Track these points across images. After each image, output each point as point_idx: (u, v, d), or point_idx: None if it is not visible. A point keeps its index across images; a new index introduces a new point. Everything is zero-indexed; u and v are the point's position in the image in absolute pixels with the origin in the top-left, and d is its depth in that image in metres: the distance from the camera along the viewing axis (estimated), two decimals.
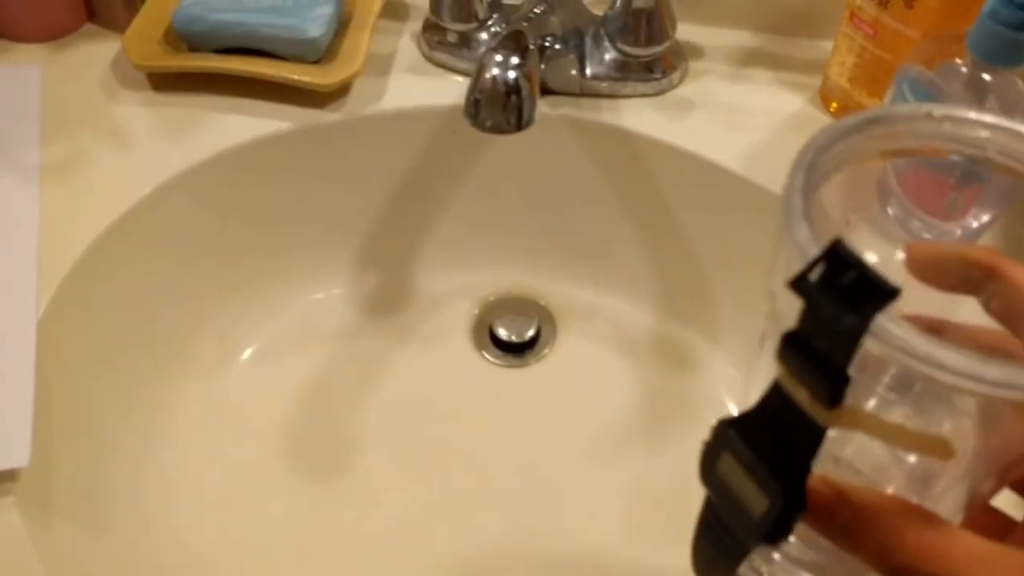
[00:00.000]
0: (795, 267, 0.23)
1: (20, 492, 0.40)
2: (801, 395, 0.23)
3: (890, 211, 0.50)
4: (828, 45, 0.56)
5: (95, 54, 0.58)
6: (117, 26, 0.59)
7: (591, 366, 0.59)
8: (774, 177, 0.52)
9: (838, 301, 0.22)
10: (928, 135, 0.29)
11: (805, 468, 0.24)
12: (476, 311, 0.61)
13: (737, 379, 0.56)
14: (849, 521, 0.24)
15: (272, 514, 0.51)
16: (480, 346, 0.60)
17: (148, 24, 0.57)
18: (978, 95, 0.42)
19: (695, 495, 0.55)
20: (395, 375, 0.58)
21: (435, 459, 0.54)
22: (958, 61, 0.43)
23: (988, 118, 0.28)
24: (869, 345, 0.22)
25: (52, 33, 0.59)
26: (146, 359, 0.53)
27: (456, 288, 0.62)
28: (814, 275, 0.22)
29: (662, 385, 0.57)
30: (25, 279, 0.47)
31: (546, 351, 0.59)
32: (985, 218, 0.46)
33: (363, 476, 0.53)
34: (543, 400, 0.57)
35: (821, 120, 0.55)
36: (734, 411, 0.58)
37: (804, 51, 0.59)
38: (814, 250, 0.23)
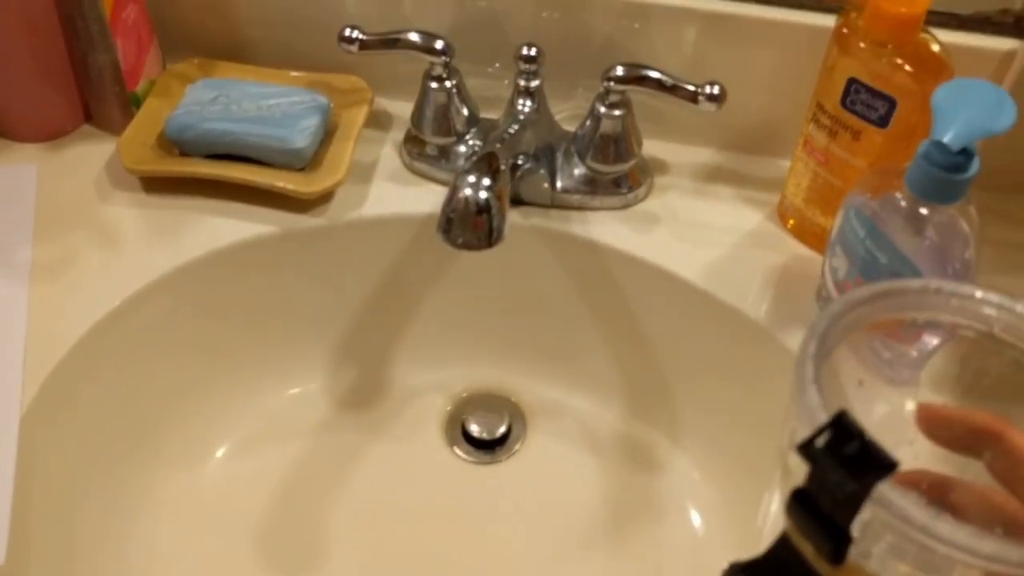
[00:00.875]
0: (804, 431, 0.25)
1: None
2: (807, 549, 0.25)
3: None
4: (786, 164, 0.59)
5: (90, 155, 0.61)
6: (113, 128, 0.62)
7: (560, 464, 0.60)
8: (732, 290, 0.55)
9: (841, 468, 0.24)
10: (935, 308, 0.31)
11: None
12: (449, 407, 0.63)
13: (699, 484, 0.58)
14: None
15: None
16: (452, 442, 0.61)
17: (142, 129, 0.60)
18: (916, 228, 0.45)
19: None
20: (367, 471, 0.59)
21: (403, 559, 0.55)
22: (898, 194, 0.46)
23: (994, 297, 0.31)
24: (870, 511, 0.24)
25: (50, 133, 0.62)
26: (125, 455, 0.54)
27: (430, 384, 0.64)
28: (821, 441, 0.25)
29: (627, 486, 0.59)
30: (10, 376, 0.48)
31: (517, 448, 0.61)
32: (936, 341, 0.49)
33: (333, 574, 0.54)
34: (512, 498, 0.59)
35: (779, 236, 0.58)
36: (695, 518, 0.59)
37: (764, 169, 0.62)
38: (823, 417, 0.26)
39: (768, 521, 0.32)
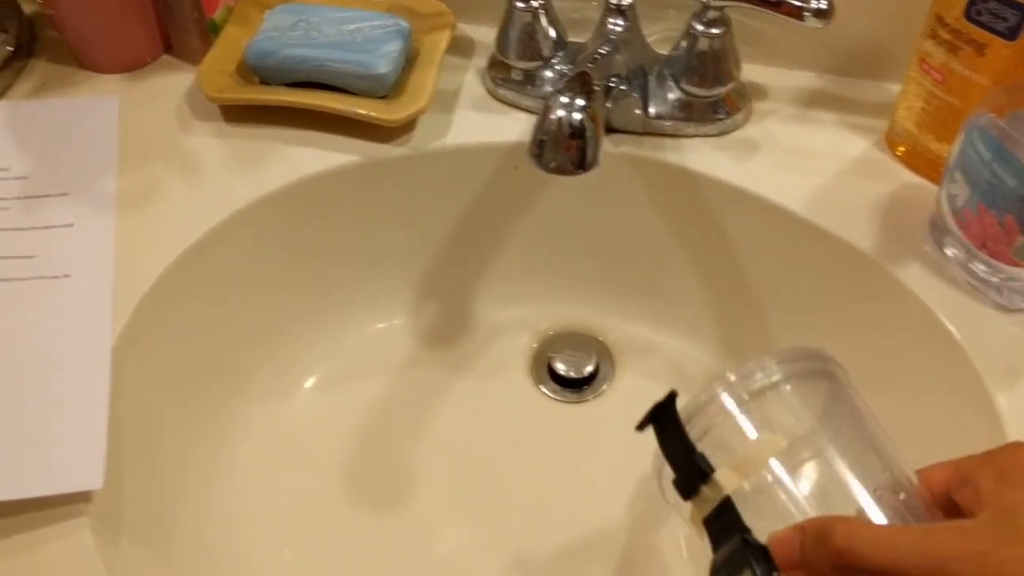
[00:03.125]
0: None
1: (93, 513, 0.42)
2: None
3: (949, 252, 0.49)
4: (895, 88, 0.55)
5: (171, 85, 0.60)
6: (192, 58, 0.61)
7: (649, 404, 0.58)
8: (837, 220, 0.52)
9: None
10: None
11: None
12: (535, 345, 0.61)
13: None
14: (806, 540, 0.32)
15: (329, 544, 0.52)
16: (538, 380, 0.60)
17: (222, 57, 0.59)
18: None
19: None
20: (453, 407, 0.58)
21: (489, 495, 0.55)
22: None
23: None
24: None
25: (131, 64, 0.62)
26: (212, 386, 0.54)
27: (515, 321, 0.62)
28: None
29: None
30: (101, 306, 0.48)
31: (604, 387, 0.60)
32: None
33: (418, 509, 0.54)
34: (599, 438, 0.57)
35: (888, 164, 0.55)
36: None
37: (870, 94, 0.58)
38: None
39: None
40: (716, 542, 0.34)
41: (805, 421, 0.37)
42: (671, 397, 0.36)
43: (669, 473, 0.37)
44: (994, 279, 0.48)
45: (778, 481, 0.35)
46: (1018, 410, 0.44)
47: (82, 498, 0.41)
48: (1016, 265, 0.47)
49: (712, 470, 0.35)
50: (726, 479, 0.34)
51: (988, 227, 0.46)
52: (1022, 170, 0.43)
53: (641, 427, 0.37)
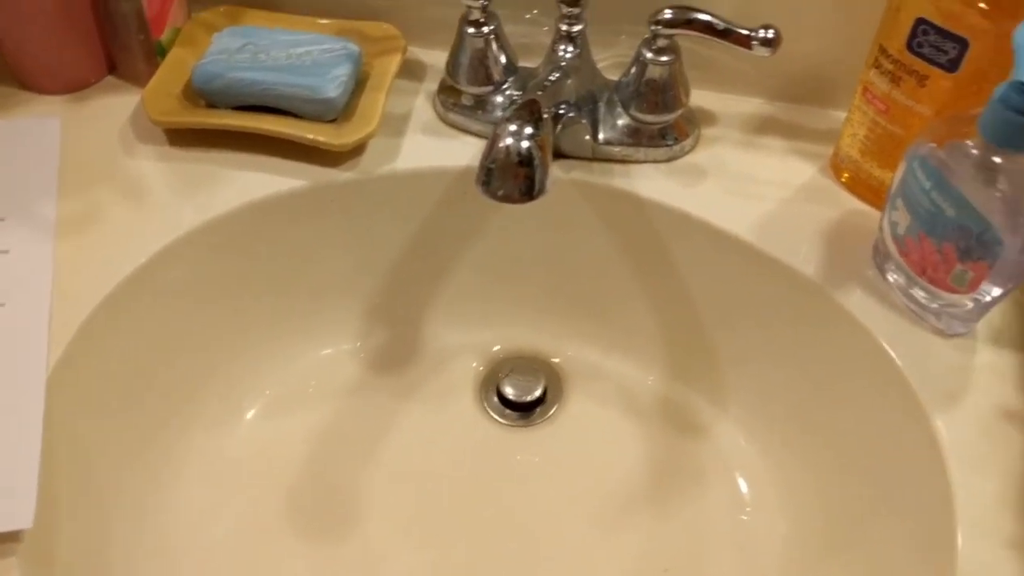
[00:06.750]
0: None
1: (23, 553, 0.40)
2: None
3: (891, 278, 0.50)
4: (841, 115, 0.56)
5: (114, 107, 0.59)
6: (138, 80, 0.60)
7: (598, 428, 0.58)
8: (783, 246, 0.52)
9: None
10: None
11: None
12: (483, 369, 0.61)
13: (746, 450, 0.56)
14: None
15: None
16: (486, 405, 0.59)
17: (167, 79, 0.58)
18: (988, 178, 0.42)
19: (700, 563, 0.54)
20: (401, 433, 0.58)
21: (438, 521, 0.54)
22: (969, 142, 0.43)
23: None
24: None
25: (73, 85, 0.60)
26: (152, 415, 0.53)
27: (464, 346, 0.62)
28: None
29: (669, 450, 0.57)
30: (36, 335, 0.47)
31: (553, 411, 0.59)
32: (997, 292, 0.46)
33: (365, 538, 0.53)
34: (548, 462, 0.57)
35: (833, 190, 0.55)
36: (743, 485, 0.57)
37: (817, 120, 0.59)
38: None
39: None
40: None
41: None
42: None
43: None
44: (933, 305, 0.49)
45: None
46: (955, 433, 0.45)
47: (11, 538, 0.40)
48: (954, 292, 0.47)
49: None
50: None
51: (928, 255, 0.47)
52: (960, 200, 0.44)
53: None
